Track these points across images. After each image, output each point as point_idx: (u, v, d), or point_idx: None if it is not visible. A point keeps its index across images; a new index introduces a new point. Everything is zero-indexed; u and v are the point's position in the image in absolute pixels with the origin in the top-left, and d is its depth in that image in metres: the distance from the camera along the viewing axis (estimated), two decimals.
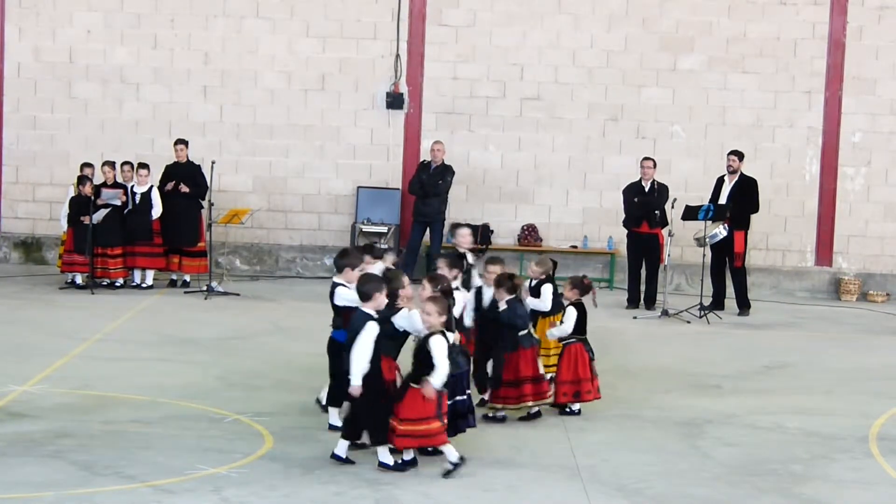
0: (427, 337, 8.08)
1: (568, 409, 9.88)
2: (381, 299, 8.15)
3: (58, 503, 7.22)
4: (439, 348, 7.99)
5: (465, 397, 8.61)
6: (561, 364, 9.84)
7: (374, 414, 8.04)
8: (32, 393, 10.00)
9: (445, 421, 8.09)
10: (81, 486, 7.50)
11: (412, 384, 8.03)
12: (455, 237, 11.24)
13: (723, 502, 7.76)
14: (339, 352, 8.56)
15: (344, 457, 8.14)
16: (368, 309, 8.11)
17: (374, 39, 18.31)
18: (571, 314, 9.86)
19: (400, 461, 8.10)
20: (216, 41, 18.37)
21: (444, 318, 8.09)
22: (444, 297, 8.41)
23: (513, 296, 9.48)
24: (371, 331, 8.00)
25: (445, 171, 17.37)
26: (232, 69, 18.37)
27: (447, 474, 7.98)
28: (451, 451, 8.05)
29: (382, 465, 8.02)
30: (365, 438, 8.18)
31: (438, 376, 7.95)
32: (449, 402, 8.31)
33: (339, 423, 8.70)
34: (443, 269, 9.39)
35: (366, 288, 8.18)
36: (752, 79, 18.17)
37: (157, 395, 10.03)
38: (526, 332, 9.56)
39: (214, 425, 9.13)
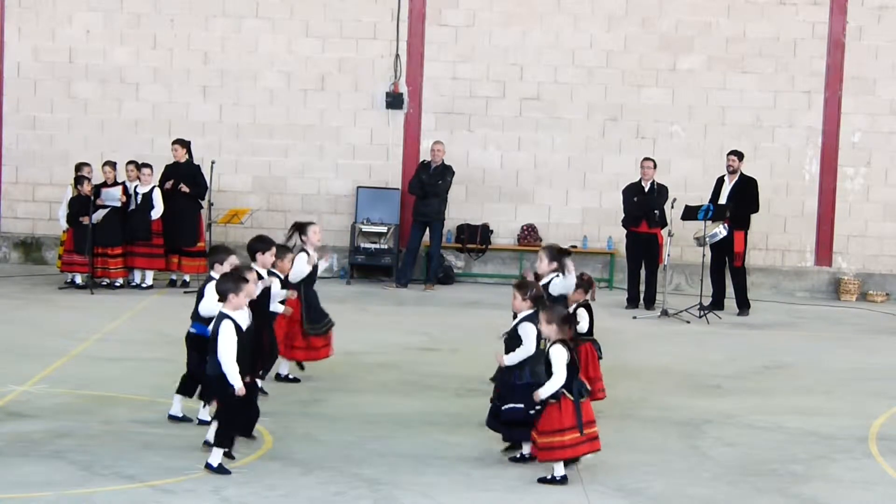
0: (550, 345, 8.08)
1: None
2: (236, 301, 8.07)
3: (57, 503, 7.22)
4: (558, 356, 7.99)
5: (521, 406, 8.48)
6: None
7: (231, 415, 8.02)
8: (32, 393, 10.00)
9: (586, 432, 8.02)
10: (81, 486, 7.50)
11: (552, 399, 7.99)
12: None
13: (722, 502, 7.76)
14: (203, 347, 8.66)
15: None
16: (226, 310, 8.06)
17: (374, 39, 18.30)
18: (583, 315, 9.81)
19: (551, 476, 8.01)
20: (216, 41, 18.37)
21: (554, 328, 8.03)
22: (537, 302, 8.42)
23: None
24: (229, 330, 7.96)
25: (445, 171, 17.37)
26: (231, 69, 18.37)
27: (543, 480, 7.97)
28: (560, 465, 8.00)
29: (208, 466, 7.94)
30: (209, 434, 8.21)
31: (550, 385, 7.96)
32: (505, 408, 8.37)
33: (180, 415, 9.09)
34: (543, 260, 9.33)
35: (223, 287, 8.15)
36: (751, 79, 18.17)
37: (156, 395, 10.03)
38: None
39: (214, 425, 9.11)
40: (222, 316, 8.04)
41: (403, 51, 18.29)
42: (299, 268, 10.55)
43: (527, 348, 8.33)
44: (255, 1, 18.33)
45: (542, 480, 7.99)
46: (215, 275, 9.01)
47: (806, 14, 18.09)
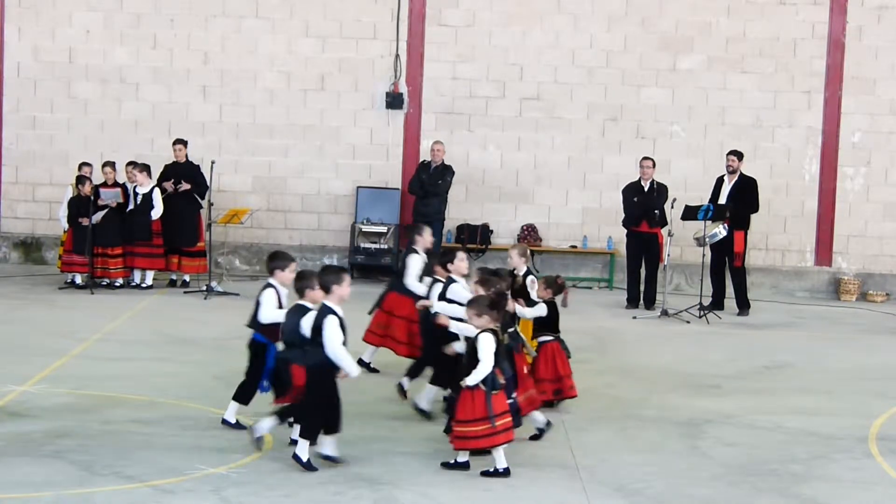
0: (476, 335, 8.15)
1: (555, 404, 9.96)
2: (340, 292, 8.16)
3: (57, 503, 7.22)
4: (486, 344, 8.06)
5: (512, 399, 8.62)
6: (538, 363, 9.85)
7: (319, 409, 8.05)
8: (32, 393, 10.00)
9: (498, 424, 8.04)
10: (81, 486, 7.50)
11: (467, 387, 8.05)
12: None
13: (722, 502, 7.76)
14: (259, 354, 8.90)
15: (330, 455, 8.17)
16: (330, 302, 8.14)
17: (374, 39, 18.31)
18: (542, 308, 9.92)
19: (454, 461, 8.14)
20: (216, 41, 18.37)
21: (484, 318, 8.11)
22: (499, 298, 8.49)
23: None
24: (335, 323, 8.03)
25: (445, 171, 17.36)
26: (231, 69, 18.37)
27: (486, 473, 8.06)
28: (500, 457, 8.09)
29: (296, 458, 8.00)
30: (294, 433, 8.24)
31: (477, 372, 8.02)
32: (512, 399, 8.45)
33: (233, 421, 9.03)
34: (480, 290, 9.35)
35: (325, 280, 8.20)
36: (751, 79, 18.17)
37: (156, 395, 10.04)
38: (512, 329, 9.60)
39: (214, 425, 9.12)
40: (327, 310, 8.08)
41: (403, 51, 18.29)
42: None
43: (485, 364, 8.18)
44: (255, 1, 18.33)
45: (445, 465, 8.16)
46: (274, 281, 9.03)
47: (806, 14, 18.09)
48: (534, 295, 10.17)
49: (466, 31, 18.27)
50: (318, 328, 8.07)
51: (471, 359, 8.15)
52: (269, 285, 9.07)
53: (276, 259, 9.21)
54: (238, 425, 9.01)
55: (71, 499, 7.28)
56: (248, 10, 18.33)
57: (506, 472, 8.04)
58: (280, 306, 8.99)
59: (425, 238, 11.22)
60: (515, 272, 10.38)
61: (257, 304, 9.06)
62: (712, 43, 18.16)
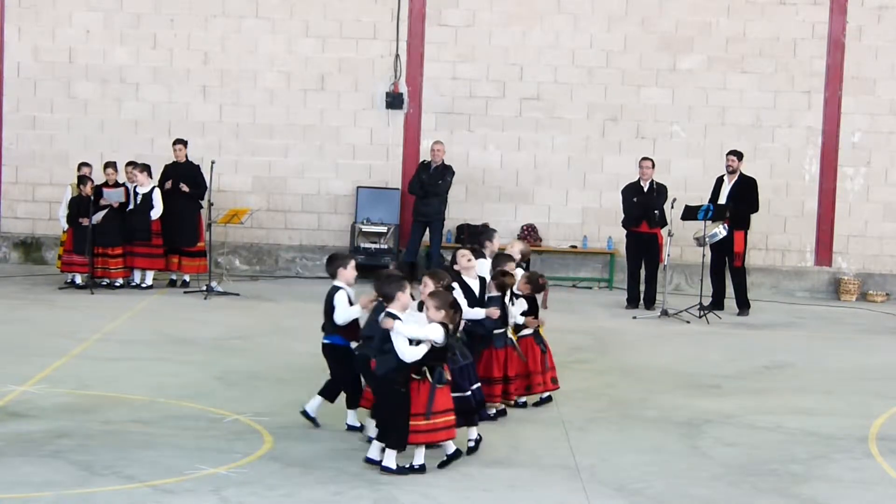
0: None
1: (514, 403, 9.97)
2: (404, 299, 8.18)
3: (57, 503, 7.22)
4: (431, 332, 7.99)
5: (476, 386, 8.69)
6: (511, 359, 9.85)
7: (402, 418, 8.03)
8: (32, 393, 10.00)
9: (438, 420, 8.02)
10: (81, 486, 7.50)
11: (414, 377, 8.03)
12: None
13: (722, 502, 7.76)
14: (343, 357, 8.85)
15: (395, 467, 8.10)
16: (394, 309, 8.13)
17: (374, 39, 18.31)
18: (521, 304, 9.93)
19: (408, 465, 8.08)
20: (215, 41, 18.37)
21: (442, 313, 8.08)
22: (446, 292, 8.48)
23: (498, 294, 9.51)
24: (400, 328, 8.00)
25: (445, 171, 17.37)
26: (231, 69, 18.37)
27: (443, 465, 8.09)
28: (449, 444, 8.14)
29: (385, 469, 7.98)
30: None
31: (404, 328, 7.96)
32: (463, 394, 8.45)
33: (357, 424, 8.99)
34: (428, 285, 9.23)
35: (388, 289, 8.22)
36: (751, 79, 18.17)
37: (156, 395, 10.03)
38: (502, 331, 9.59)
39: (214, 425, 9.13)
40: (392, 317, 8.03)
41: (403, 51, 18.29)
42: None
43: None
44: (255, 1, 18.34)
45: (443, 465, 8.15)
46: (339, 283, 9.00)
47: (806, 14, 18.09)
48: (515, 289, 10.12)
49: (466, 31, 18.27)
50: (386, 335, 8.01)
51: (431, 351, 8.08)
52: (337, 288, 9.02)
53: (336, 259, 9.18)
54: (315, 422, 9.03)
55: (71, 499, 7.28)
56: (248, 10, 18.33)
57: (421, 469, 7.99)
58: (351, 304, 8.97)
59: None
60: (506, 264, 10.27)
61: (330, 309, 8.98)
62: (712, 43, 18.17)
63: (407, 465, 8.02)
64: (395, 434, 8.02)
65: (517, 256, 10.46)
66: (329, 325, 9.01)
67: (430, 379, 8.01)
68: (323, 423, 9.13)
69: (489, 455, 8.55)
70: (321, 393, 9.12)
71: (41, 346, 12.11)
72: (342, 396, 9.12)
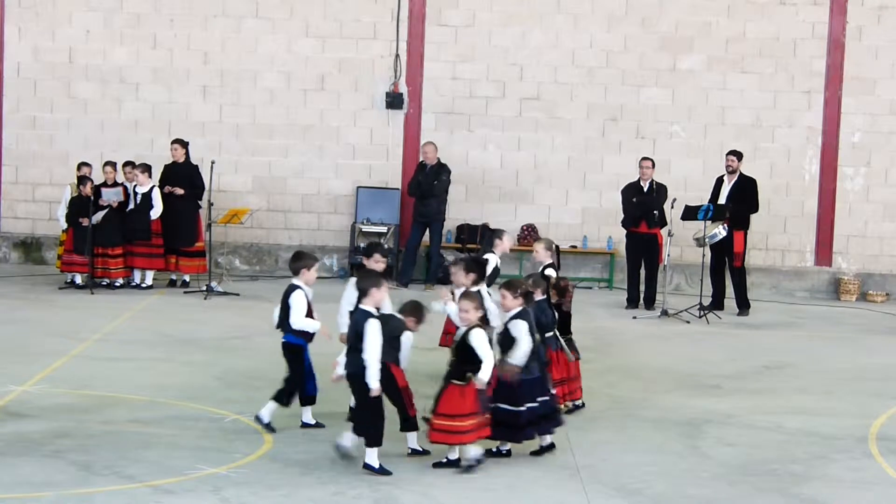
0: (466, 332, 8.15)
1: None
2: (378, 295, 8.16)
3: (57, 503, 7.22)
4: (480, 340, 8.07)
5: (547, 398, 8.62)
6: (561, 362, 9.83)
7: (375, 415, 8.04)
8: (32, 393, 10.00)
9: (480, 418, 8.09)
10: (81, 486, 7.50)
11: (453, 381, 8.07)
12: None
13: (722, 502, 7.76)
14: (298, 354, 8.89)
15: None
16: (367, 305, 8.13)
17: (374, 39, 18.31)
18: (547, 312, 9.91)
19: (446, 459, 8.09)
20: (215, 41, 18.37)
21: (480, 313, 8.15)
22: (526, 299, 8.52)
23: (544, 297, 9.49)
24: (375, 329, 8.00)
25: (441, 171, 17.36)
26: (231, 69, 18.37)
27: (465, 469, 8.09)
28: (475, 449, 8.13)
29: (367, 467, 7.97)
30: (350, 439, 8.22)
31: (486, 369, 8.04)
32: (516, 409, 8.36)
33: (312, 421, 9.03)
34: (458, 272, 9.43)
35: (363, 284, 8.20)
36: (751, 79, 18.17)
37: (156, 395, 10.03)
38: (552, 334, 9.56)
39: (214, 425, 9.13)
40: (366, 314, 8.04)
41: (403, 51, 18.29)
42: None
43: (522, 345, 8.33)
44: (255, 1, 18.34)
45: (438, 465, 8.16)
46: (297, 282, 8.99)
47: (806, 14, 18.09)
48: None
49: (466, 31, 18.27)
50: (360, 335, 8.02)
51: (464, 355, 8.11)
52: (296, 287, 9.02)
53: (301, 259, 9.17)
54: (270, 427, 8.95)
55: (71, 499, 7.28)
56: (248, 10, 18.33)
57: (456, 463, 8.10)
58: (309, 307, 8.96)
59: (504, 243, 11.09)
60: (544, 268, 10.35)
61: (286, 308, 8.99)
62: (712, 43, 18.16)
63: (444, 459, 8.12)
64: (373, 430, 8.00)
65: (546, 259, 10.46)
66: (286, 324, 9.01)
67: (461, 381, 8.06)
68: (323, 423, 9.12)
69: (489, 455, 8.55)
70: (275, 398, 9.03)
71: (41, 346, 12.11)
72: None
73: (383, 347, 8.06)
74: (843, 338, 14.75)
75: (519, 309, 8.47)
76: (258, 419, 9.01)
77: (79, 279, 16.19)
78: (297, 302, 8.94)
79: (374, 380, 7.96)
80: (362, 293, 8.18)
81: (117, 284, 16.18)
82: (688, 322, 15.16)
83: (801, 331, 15.22)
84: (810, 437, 9.48)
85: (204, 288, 15.90)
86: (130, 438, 8.69)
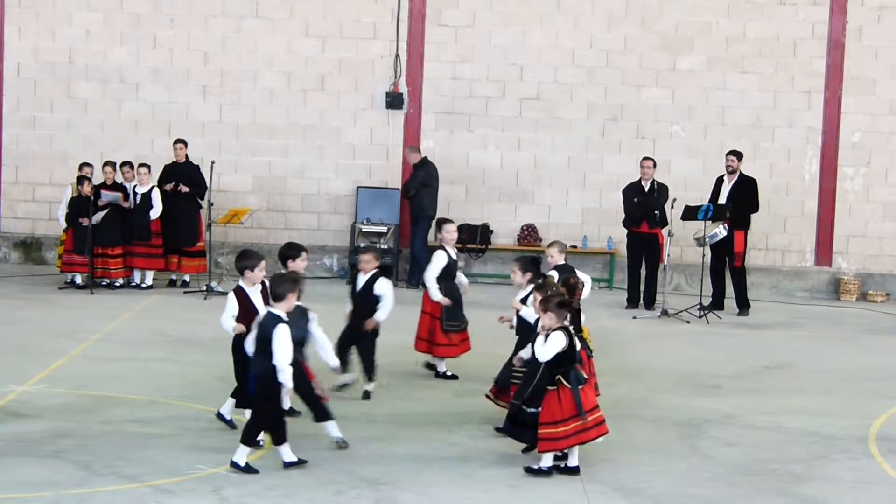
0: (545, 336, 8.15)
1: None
2: (292, 301, 8.12)
3: (57, 503, 7.22)
4: (556, 343, 8.06)
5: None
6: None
7: (275, 414, 8.05)
8: (32, 393, 10.00)
9: (589, 419, 8.10)
10: (81, 486, 7.50)
11: (549, 388, 8.07)
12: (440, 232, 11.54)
13: (722, 502, 7.76)
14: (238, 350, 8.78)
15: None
16: (280, 310, 8.08)
17: (374, 39, 18.31)
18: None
19: (538, 467, 8.09)
20: (215, 41, 18.37)
21: (553, 316, 8.10)
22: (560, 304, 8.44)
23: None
24: (285, 334, 7.94)
25: (416, 172, 17.40)
26: (231, 69, 18.37)
27: (534, 472, 8.09)
28: (548, 457, 8.12)
29: (234, 465, 7.93)
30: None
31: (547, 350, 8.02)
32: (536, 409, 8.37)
33: (229, 417, 9.00)
34: (515, 272, 9.65)
35: (279, 289, 8.11)
36: (751, 79, 18.17)
37: (156, 395, 10.04)
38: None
39: (214, 425, 9.12)
40: (276, 319, 7.99)
41: (403, 51, 18.29)
42: (437, 264, 11.20)
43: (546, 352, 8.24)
44: (255, 1, 18.34)
45: (529, 470, 8.11)
46: (243, 283, 8.94)
47: (806, 14, 18.09)
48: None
49: (466, 31, 18.27)
50: (268, 338, 7.97)
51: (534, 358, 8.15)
52: (238, 287, 8.98)
53: (248, 258, 9.06)
54: (231, 424, 8.99)
55: (71, 499, 7.28)
56: (248, 10, 18.33)
57: (575, 470, 8.09)
58: (252, 307, 8.84)
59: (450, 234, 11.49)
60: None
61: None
62: (712, 43, 18.16)
63: (562, 465, 8.10)
64: (252, 430, 8.01)
65: (560, 261, 10.49)
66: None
67: (568, 384, 8.03)
68: (321, 425, 9.12)
69: (490, 455, 8.55)
70: (234, 394, 9.04)
71: (41, 346, 12.11)
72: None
73: (294, 348, 8.05)
74: (843, 338, 14.75)
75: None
76: (219, 416, 9.06)
77: (79, 279, 16.19)
78: (229, 303, 8.89)
79: (288, 381, 7.95)
80: (278, 297, 8.09)
81: (117, 284, 16.18)
82: (688, 322, 15.16)
83: (801, 331, 15.22)
84: (810, 437, 9.48)
85: (204, 288, 15.90)
86: (130, 438, 8.69)
